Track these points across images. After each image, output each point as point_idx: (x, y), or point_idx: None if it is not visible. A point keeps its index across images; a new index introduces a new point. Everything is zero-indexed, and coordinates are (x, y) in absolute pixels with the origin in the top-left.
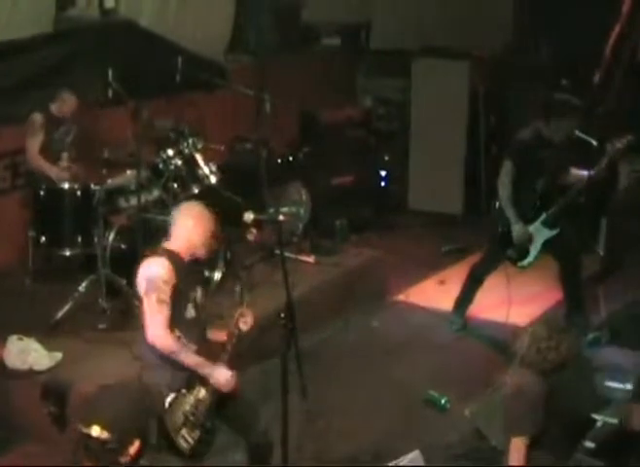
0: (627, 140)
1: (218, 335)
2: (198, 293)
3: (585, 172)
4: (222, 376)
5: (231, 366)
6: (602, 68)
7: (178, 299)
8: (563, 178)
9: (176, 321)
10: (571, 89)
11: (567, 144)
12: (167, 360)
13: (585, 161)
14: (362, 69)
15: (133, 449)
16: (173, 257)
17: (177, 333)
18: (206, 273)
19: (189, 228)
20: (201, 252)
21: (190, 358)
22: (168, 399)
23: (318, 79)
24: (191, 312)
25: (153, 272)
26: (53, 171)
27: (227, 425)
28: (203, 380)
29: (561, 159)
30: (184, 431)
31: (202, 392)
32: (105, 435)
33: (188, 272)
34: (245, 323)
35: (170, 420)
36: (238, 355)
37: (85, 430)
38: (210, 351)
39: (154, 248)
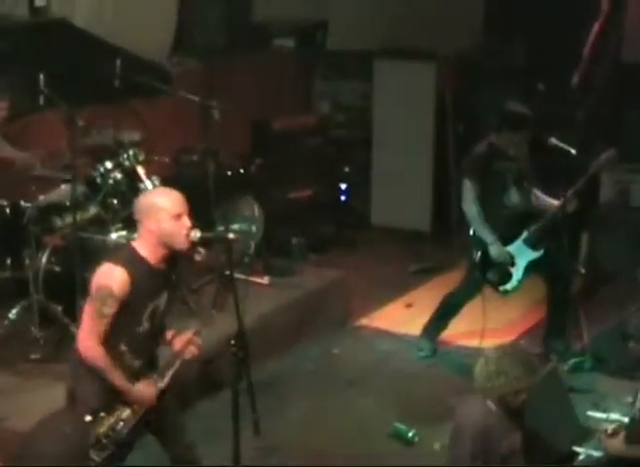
0: (611, 155)
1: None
2: (162, 299)
3: (554, 202)
4: (141, 394)
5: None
6: (580, 69)
7: (131, 313)
8: (534, 201)
9: (125, 335)
10: (547, 93)
11: (527, 152)
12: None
13: (562, 169)
14: (319, 72)
15: None
16: (136, 264)
17: (123, 348)
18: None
19: (158, 218)
20: (179, 242)
21: (115, 379)
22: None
23: (271, 83)
24: (144, 326)
25: (104, 283)
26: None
27: (155, 438)
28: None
29: (524, 168)
30: (92, 452)
31: (127, 412)
32: None
33: (154, 280)
34: (191, 351)
35: None
36: (184, 387)
37: None
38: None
39: (120, 249)
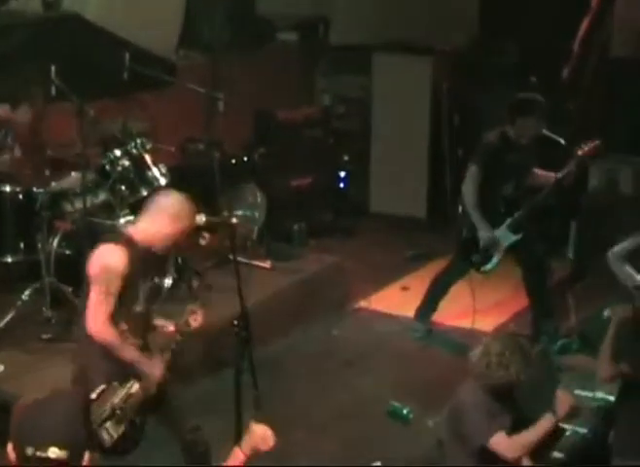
0: (596, 145)
1: (164, 323)
2: (154, 283)
3: (552, 174)
4: (154, 368)
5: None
6: (570, 64)
7: (128, 292)
8: (531, 180)
9: (123, 315)
10: (539, 87)
11: (534, 145)
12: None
13: (552, 160)
14: (320, 66)
15: (86, 461)
16: (131, 245)
17: (123, 326)
18: (156, 280)
19: (164, 223)
20: (163, 246)
21: (128, 353)
22: (97, 390)
23: (274, 76)
24: (139, 306)
25: (107, 262)
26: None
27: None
28: (138, 374)
29: (528, 162)
30: (108, 424)
31: (135, 386)
32: (64, 454)
33: (144, 263)
34: (195, 320)
35: (96, 412)
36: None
37: (40, 454)
38: (155, 343)
39: (115, 232)
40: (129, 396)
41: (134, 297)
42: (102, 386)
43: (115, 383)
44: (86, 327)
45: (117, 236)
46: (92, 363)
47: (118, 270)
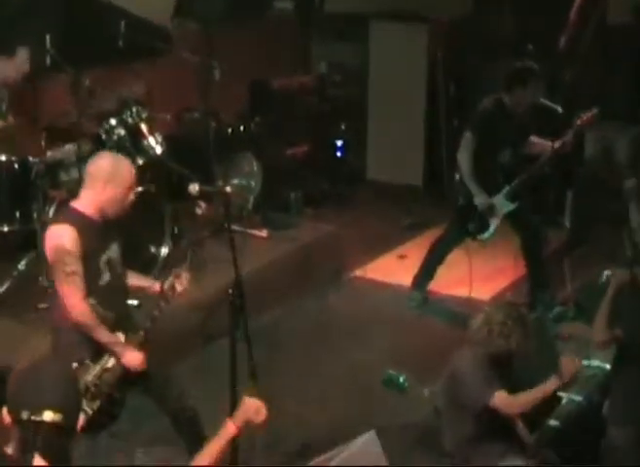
0: (594, 114)
1: (151, 283)
2: (112, 251)
3: (548, 142)
4: (132, 359)
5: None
6: (567, 32)
7: (89, 267)
8: (527, 149)
9: (90, 289)
10: (536, 55)
11: (530, 113)
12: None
13: (549, 128)
14: (316, 34)
15: (79, 425)
16: (79, 220)
17: (92, 301)
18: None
19: (100, 184)
20: (112, 210)
21: (102, 334)
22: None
23: (270, 44)
24: (105, 277)
25: (56, 243)
26: None
27: (145, 395)
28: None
29: (524, 130)
30: (83, 401)
31: (111, 362)
32: (59, 417)
33: (98, 232)
34: (181, 284)
35: None
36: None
37: (35, 418)
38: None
39: (61, 211)
40: (104, 371)
41: (96, 270)
42: (75, 364)
43: (87, 361)
44: (55, 309)
45: (66, 214)
46: (65, 342)
47: (71, 250)
